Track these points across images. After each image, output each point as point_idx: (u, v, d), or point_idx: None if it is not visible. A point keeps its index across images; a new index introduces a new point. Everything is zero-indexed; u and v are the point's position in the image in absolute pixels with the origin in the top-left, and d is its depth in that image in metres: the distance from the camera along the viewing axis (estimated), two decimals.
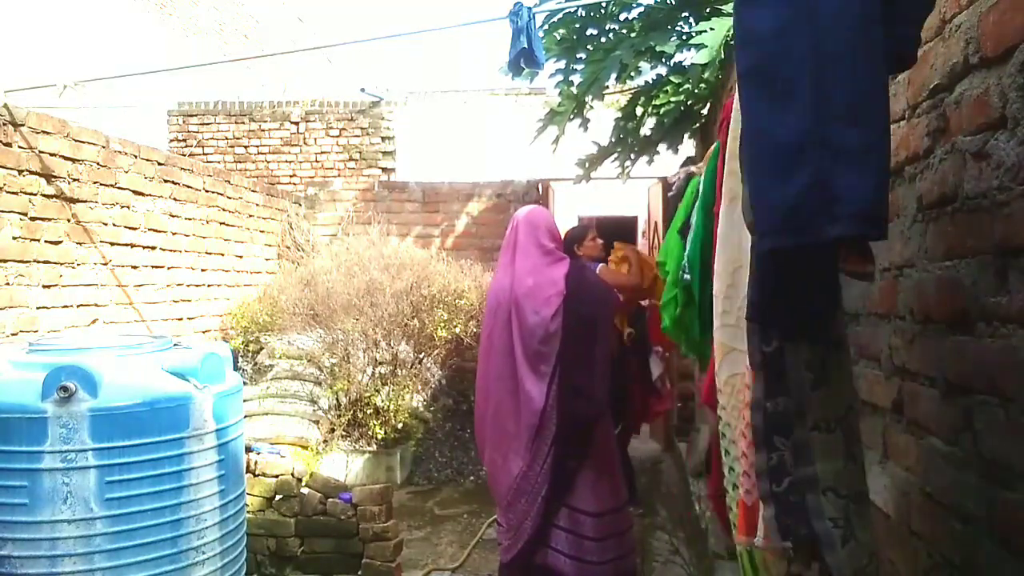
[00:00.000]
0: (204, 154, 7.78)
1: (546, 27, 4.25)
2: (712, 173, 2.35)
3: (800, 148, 1.19)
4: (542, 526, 2.82)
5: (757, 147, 1.29)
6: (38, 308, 3.79)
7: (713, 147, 2.47)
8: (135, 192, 4.64)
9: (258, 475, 3.59)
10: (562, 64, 4.42)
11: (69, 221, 4.04)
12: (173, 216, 5.09)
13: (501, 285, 3.01)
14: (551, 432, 2.82)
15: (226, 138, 7.85)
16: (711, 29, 3.47)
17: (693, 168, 3.17)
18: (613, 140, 5.21)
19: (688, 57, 4.37)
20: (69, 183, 4.03)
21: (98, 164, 4.28)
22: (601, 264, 4.14)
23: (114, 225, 4.42)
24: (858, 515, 1.37)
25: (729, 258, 1.85)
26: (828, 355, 1.40)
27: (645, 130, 5.15)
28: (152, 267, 4.84)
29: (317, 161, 7.79)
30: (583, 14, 4.27)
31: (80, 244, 4.13)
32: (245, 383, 4.88)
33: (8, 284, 3.60)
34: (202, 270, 5.51)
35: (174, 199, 5.11)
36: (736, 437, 1.70)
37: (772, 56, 1.25)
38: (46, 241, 3.86)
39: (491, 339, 3.00)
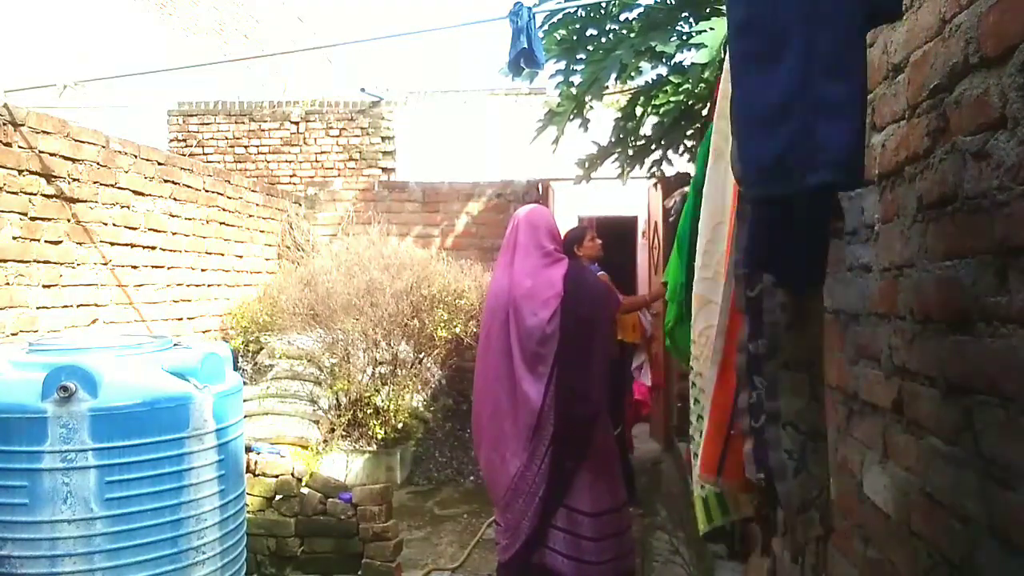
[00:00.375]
0: (204, 154, 7.78)
1: (546, 27, 4.25)
2: (706, 152, 2.37)
3: (789, 101, 1.24)
4: (540, 526, 2.82)
5: (748, 101, 1.34)
6: (38, 308, 3.79)
7: (709, 128, 2.48)
8: (135, 192, 4.64)
9: (258, 475, 3.59)
10: (562, 64, 4.42)
11: (69, 221, 4.04)
12: (173, 216, 5.09)
13: (500, 286, 3.01)
14: (548, 432, 2.82)
15: (226, 138, 7.85)
16: (711, 29, 3.47)
17: (687, 190, 3.18)
18: (613, 140, 5.21)
19: (688, 57, 4.37)
20: (69, 183, 4.03)
21: (98, 164, 4.28)
22: (601, 272, 4.15)
23: (114, 225, 4.42)
24: (814, 451, 1.46)
25: (711, 213, 1.91)
26: (803, 300, 1.48)
27: (645, 130, 5.14)
28: (152, 267, 4.84)
29: (317, 161, 7.79)
30: (583, 14, 4.27)
31: (80, 244, 4.13)
32: (245, 383, 4.88)
33: (8, 284, 3.60)
34: (202, 270, 5.51)
35: (174, 199, 5.11)
36: (704, 385, 1.74)
37: (763, 9, 1.28)
38: (46, 241, 3.86)
39: (489, 339, 3.00)
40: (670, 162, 5.26)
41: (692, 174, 3.14)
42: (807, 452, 1.45)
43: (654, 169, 5.31)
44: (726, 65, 1.63)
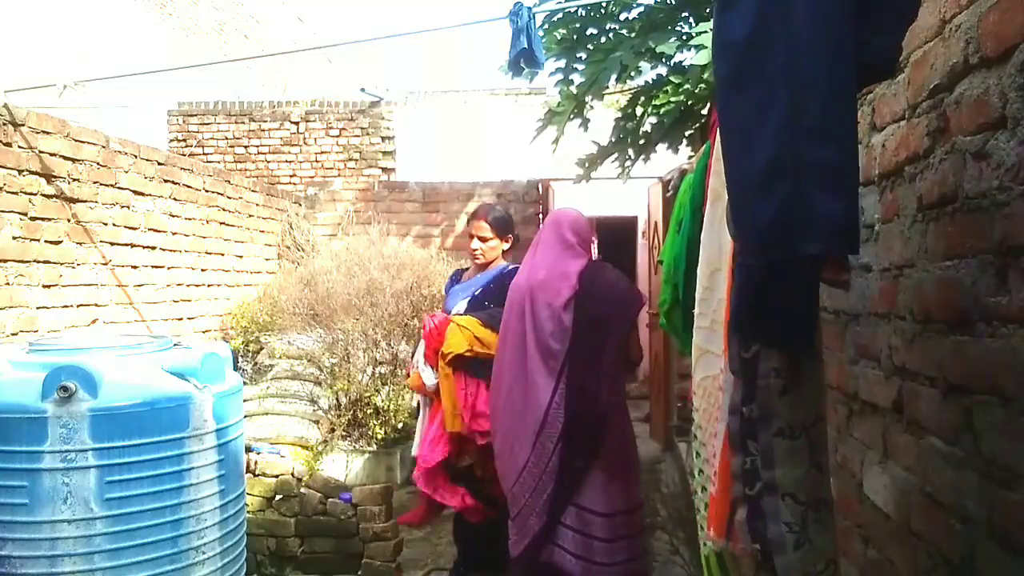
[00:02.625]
0: (204, 154, 7.78)
1: (546, 27, 4.25)
2: (702, 172, 2.36)
3: (778, 165, 1.20)
4: (548, 524, 2.81)
5: (737, 162, 1.30)
6: (38, 308, 3.79)
7: (704, 147, 2.47)
8: (135, 192, 4.64)
9: (258, 475, 3.59)
10: (562, 64, 4.42)
11: (69, 221, 4.04)
12: (173, 216, 5.09)
13: (519, 278, 3.01)
14: (556, 430, 2.81)
15: (226, 138, 7.85)
16: (711, 29, 3.47)
17: (686, 165, 3.17)
18: (613, 140, 5.21)
19: (688, 57, 4.37)
20: (69, 183, 4.03)
21: (98, 164, 4.28)
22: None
23: (114, 225, 4.42)
24: (816, 522, 1.40)
25: (708, 260, 1.86)
26: (801, 363, 1.42)
27: (645, 129, 5.14)
28: (152, 267, 4.84)
29: (317, 161, 7.79)
30: (583, 14, 4.27)
31: (80, 244, 4.13)
32: (245, 383, 4.87)
33: (8, 284, 3.60)
34: (202, 270, 5.51)
35: (174, 199, 5.11)
36: (707, 440, 1.70)
37: (747, 66, 1.25)
38: (46, 241, 3.86)
39: (507, 330, 3.01)
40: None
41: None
42: (809, 523, 1.38)
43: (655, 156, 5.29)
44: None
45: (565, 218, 3.08)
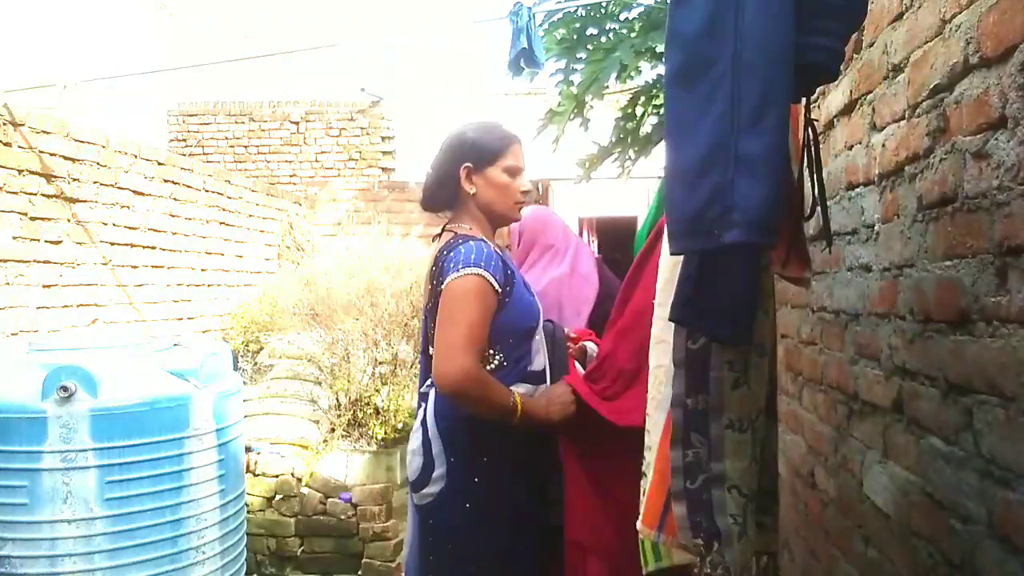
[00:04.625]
0: (204, 154, 7.78)
1: (546, 27, 4.25)
2: None
3: (711, 155, 1.22)
4: None
5: (674, 154, 1.32)
6: (38, 308, 3.79)
7: None
8: (135, 192, 4.64)
9: (258, 475, 3.59)
10: (562, 64, 4.41)
11: (69, 221, 4.04)
12: (173, 216, 5.09)
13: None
14: None
15: (226, 138, 7.86)
16: None
17: None
18: (613, 140, 5.21)
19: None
20: (69, 183, 4.03)
21: (98, 164, 4.28)
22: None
23: (114, 225, 4.42)
24: (752, 513, 1.42)
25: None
26: (752, 357, 1.43)
27: (645, 129, 5.15)
28: (152, 267, 4.84)
29: (317, 161, 7.79)
30: (583, 14, 4.26)
31: (80, 244, 4.13)
32: (245, 383, 4.88)
33: (8, 284, 3.60)
34: (202, 270, 5.51)
35: (174, 199, 5.11)
36: (651, 427, 1.70)
37: (697, 59, 1.26)
38: (46, 241, 3.86)
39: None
40: None
41: None
42: (747, 515, 1.40)
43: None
44: None
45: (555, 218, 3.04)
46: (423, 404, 1.95)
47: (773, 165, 1.22)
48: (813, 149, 1.49)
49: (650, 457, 1.65)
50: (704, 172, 1.22)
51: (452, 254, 1.83)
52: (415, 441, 1.93)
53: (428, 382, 1.93)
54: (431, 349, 1.86)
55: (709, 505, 1.40)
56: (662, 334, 1.84)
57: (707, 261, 1.33)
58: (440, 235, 2.00)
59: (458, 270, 1.79)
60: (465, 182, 1.98)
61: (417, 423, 1.97)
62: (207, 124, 7.88)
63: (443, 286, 1.81)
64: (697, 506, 1.41)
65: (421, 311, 2.04)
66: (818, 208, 1.53)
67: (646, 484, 1.63)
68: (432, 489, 1.87)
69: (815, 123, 1.50)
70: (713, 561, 1.40)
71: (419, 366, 2.05)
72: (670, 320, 1.46)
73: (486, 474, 1.87)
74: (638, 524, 1.60)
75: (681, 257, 1.59)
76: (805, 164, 1.52)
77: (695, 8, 1.26)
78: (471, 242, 1.86)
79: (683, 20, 1.28)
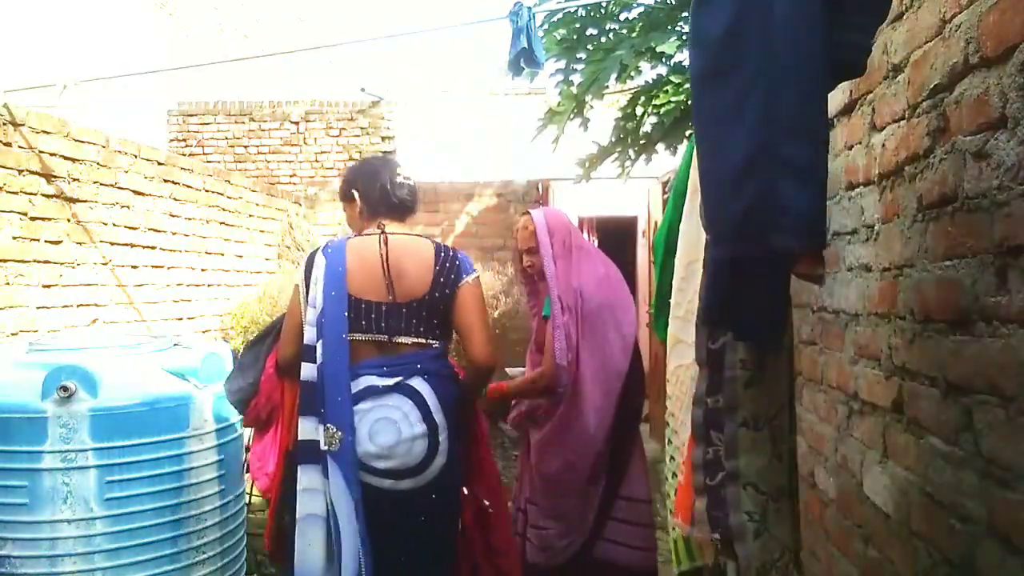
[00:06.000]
0: (204, 154, 7.78)
1: (546, 27, 4.25)
2: (687, 164, 2.36)
3: (750, 161, 1.21)
4: (599, 519, 2.76)
5: (710, 157, 1.31)
6: (38, 308, 3.79)
7: (690, 140, 2.48)
8: (135, 192, 4.64)
9: None
10: (562, 64, 4.41)
11: (69, 221, 4.04)
12: (173, 216, 5.09)
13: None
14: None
15: (226, 138, 7.85)
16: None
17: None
18: (613, 140, 5.21)
19: (688, 57, 4.37)
20: (69, 183, 4.03)
21: (98, 164, 4.28)
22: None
23: (114, 225, 4.42)
24: (776, 511, 1.43)
25: (686, 251, 1.88)
26: (765, 356, 1.44)
27: (645, 129, 5.15)
28: (152, 267, 4.84)
29: (317, 161, 7.79)
30: (583, 14, 4.26)
31: (80, 244, 4.13)
32: None
33: (8, 284, 3.60)
34: (202, 270, 5.51)
35: (174, 199, 5.11)
36: (678, 427, 1.72)
37: (723, 61, 1.25)
38: (46, 241, 3.86)
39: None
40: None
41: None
42: (769, 513, 1.41)
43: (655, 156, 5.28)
44: None
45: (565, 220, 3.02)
46: (403, 395, 2.06)
47: (819, 170, 1.22)
48: None
49: (680, 457, 1.67)
50: (746, 176, 1.22)
51: (459, 258, 2.21)
52: (412, 430, 2.03)
53: (401, 377, 2.08)
54: (434, 340, 2.14)
55: (726, 501, 1.42)
56: (679, 334, 1.85)
57: (737, 263, 1.32)
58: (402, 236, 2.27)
59: (472, 271, 2.20)
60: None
61: (405, 414, 2.05)
62: (207, 124, 7.88)
63: (463, 284, 2.17)
64: (716, 501, 1.44)
65: (408, 301, 2.14)
66: None
67: (672, 483, 1.66)
68: (435, 467, 2.05)
69: None
70: (729, 556, 1.41)
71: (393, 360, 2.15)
72: (702, 323, 1.47)
73: (464, 441, 2.17)
74: (675, 520, 1.63)
75: (696, 258, 1.60)
76: None
77: (719, 8, 1.25)
78: (456, 250, 2.27)
79: (707, 21, 1.28)
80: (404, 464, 2.02)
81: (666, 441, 2.01)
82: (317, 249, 2.20)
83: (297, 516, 2.01)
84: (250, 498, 3.17)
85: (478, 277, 2.22)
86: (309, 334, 2.07)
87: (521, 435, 3.00)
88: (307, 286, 2.14)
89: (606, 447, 2.73)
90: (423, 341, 2.12)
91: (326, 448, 1.98)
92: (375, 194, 2.28)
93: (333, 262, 2.12)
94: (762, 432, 1.43)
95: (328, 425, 1.99)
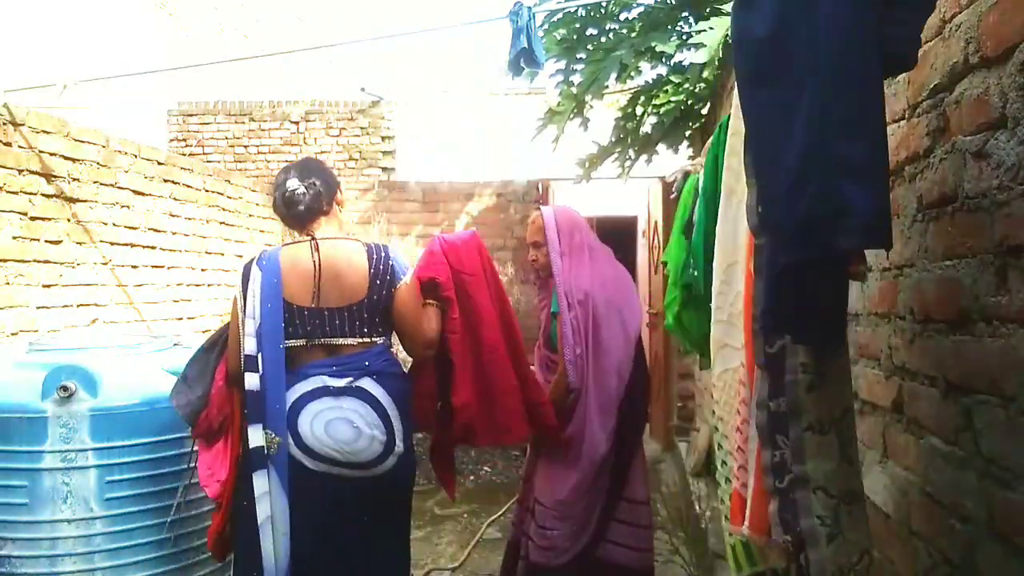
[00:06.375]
0: (204, 154, 7.78)
1: (546, 27, 4.25)
2: (712, 167, 2.35)
3: (809, 161, 1.19)
4: (602, 520, 2.77)
5: (764, 160, 1.29)
6: (38, 308, 3.79)
7: (711, 138, 2.47)
8: (135, 192, 4.64)
9: None
10: (562, 64, 4.42)
11: (69, 221, 4.04)
12: (173, 216, 5.09)
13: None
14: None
15: (226, 138, 7.85)
16: (710, 29, 3.48)
17: (689, 166, 3.15)
18: (613, 140, 5.21)
19: (688, 57, 4.38)
20: (69, 183, 4.03)
21: (98, 164, 4.28)
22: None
23: (114, 225, 4.42)
24: (849, 515, 1.40)
25: (724, 254, 1.86)
26: (825, 358, 1.42)
27: (645, 129, 5.15)
28: (152, 267, 4.84)
29: None
30: (583, 14, 4.27)
31: (80, 244, 4.13)
32: None
33: (8, 284, 3.60)
34: (202, 270, 5.51)
35: (174, 199, 5.11)
36: (729, 432, 1.70)
37: (770, 62, 1.24)
38: (46, 241, 3.86)
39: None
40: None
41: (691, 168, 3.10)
42: (841, 516, 1.39)
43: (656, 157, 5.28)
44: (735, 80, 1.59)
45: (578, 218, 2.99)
46: (357, 399, 2.16)
47: (878, 165, 1.20)
48: None
49: (732, 462, 1.65)
50: (803, 177, 1.19)
51: (392, 259, 2.30)
52: (371, 430, 2.15)
53: (351, 378, 2.16)
54: (378, 338, 2.24)
55: (795, 505, 1.40)
56: (724, 338, 1.83)
57: (800, 267, 1.30)
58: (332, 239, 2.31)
59: (405, 272, 2.32)
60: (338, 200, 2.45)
61: (362, 416, 2.14)
62: (207, 124, 7.88)
63: (400, 287, 2.27)
64: (786, 505, 1.42)
65: (347, 305, 2.22)
66: None
67: (731, 488, 1.64)
68: (392, 458, 2.19)
69: None
70: (801, 561, 1.40)
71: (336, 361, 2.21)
72: (759, 328, 1.46)
73: (411, 430, 2.28)
74: (731, 525, 1.61)
75: (736, 260, 1.57)
76: None
77: (761, 9, 1.24)
78: (387, 247, 2.34)
79: (750, 25, 1.26)
80: (367, 457, 2.15)
81: (716, 445, 2.00)
82: (252, 260, 2.26)
83: (259, 522, 2.06)
84: None
85: (412, 275, 2.36)
86: (250, 345, 2.14)
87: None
88: (244, 298, 2.20)
89: (611, 450, 2.73)
90: (367, 340, 2.22)
91: (267, 453, 2.08)
92: (276, 203, 2.37)
93: (268, 272, 2.19)
94: (828, 436, 1.40)
95: (267, 431, 2.09)
